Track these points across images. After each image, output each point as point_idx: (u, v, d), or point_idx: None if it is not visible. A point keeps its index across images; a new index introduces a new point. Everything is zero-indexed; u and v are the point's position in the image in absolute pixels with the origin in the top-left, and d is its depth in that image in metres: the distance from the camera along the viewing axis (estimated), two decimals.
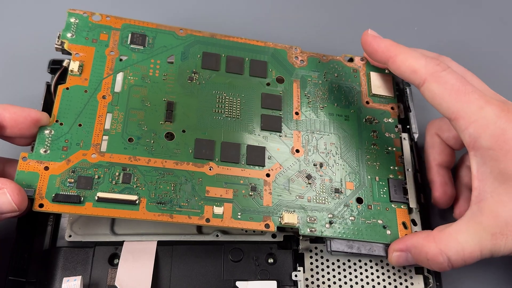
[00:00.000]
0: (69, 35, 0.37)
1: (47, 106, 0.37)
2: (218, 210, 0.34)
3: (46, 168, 0.32)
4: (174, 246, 0.34)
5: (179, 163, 0.35)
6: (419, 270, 0.35)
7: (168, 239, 0.35)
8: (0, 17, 0.48)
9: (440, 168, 0.38)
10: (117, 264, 0.33)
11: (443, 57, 0.36)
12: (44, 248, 0.35)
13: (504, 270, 0.39)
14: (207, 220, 0.33)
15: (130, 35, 0.39)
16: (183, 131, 0.36)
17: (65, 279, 0.32)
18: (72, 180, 0.32)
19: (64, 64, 0.37)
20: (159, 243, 0.34)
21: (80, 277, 0.32)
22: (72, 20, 0.38)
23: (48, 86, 0.37)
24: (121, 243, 0.34)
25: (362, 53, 0.42)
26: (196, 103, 0.37)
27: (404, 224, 0.36)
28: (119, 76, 0.37)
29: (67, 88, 0.35)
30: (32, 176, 0.32)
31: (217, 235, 0.35)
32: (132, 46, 0.38)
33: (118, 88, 0.36)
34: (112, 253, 0.34)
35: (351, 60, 0.42)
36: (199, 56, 0.39)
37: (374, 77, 0.42)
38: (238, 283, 0.32)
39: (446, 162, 0.38)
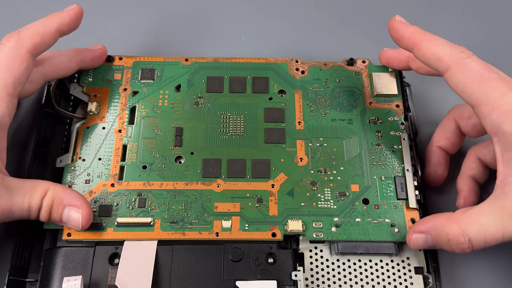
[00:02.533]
0: (87, 79, 0.42)
1: (48, 106, 0.41)
2: (226, 224, 0.36)
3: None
4: (174, 246, 0.35)
5: (189, 184, 0.38)
6: (418, 270, 0.35)
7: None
8: (2, 18, 0.53)
9: (439, 150, 0.39)
10: (118, 264, 0.34)
11: None
12: (45, 248, 0.36)
13: (504, 270, 0.37)
14: (217, 234, 0.36)
15: (140, 71, 0.42)
16: (192, 153, 0.39)
17: (65, 278, 0.32)
18: (95, 209, 0.36)
19: None
20: (159, 243, 0.35)
21: (80, 276, 0.32)
22: None
23: (48, 86, 0.41)
24: (121, 243, 0.35)
25: (363, 57, 0.43)
26: (202, 125, 0.40)
27: (413, 220, 0.36)
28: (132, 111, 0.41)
29: (87, 127, 0.40)
30: None
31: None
32: (142, 81, 0.42)
33: (131, 121, 0.40)
34: (112, 253, 0.35)
35: (351, 63, 0.43)
36: (203, 81, 0.42)
37: (377, 77, 0.42)
38: (238, 283, 0.33)
39: (449, 148, 0.39)
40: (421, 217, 0.36)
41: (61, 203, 0.33)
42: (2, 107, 0.33)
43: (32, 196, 0.33)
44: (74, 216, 0.34)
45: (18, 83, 0.34)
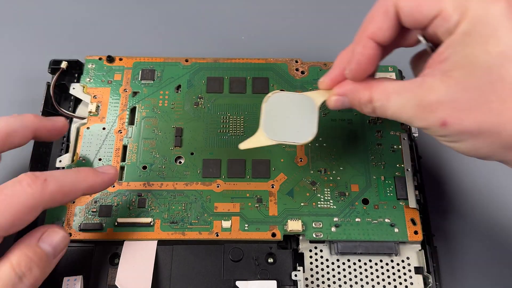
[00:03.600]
0: (87, 80, 0.42)
1: (47, 106, 0.41)
2: (226, 224, 0.36)
3: (73, 201, 0.37)
4: (174, 246, 0.35)
5: (189, 184, 0.38)
6: (418, 270, 0.35)
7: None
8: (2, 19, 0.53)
9: (370, 41, 0.31)
10: (117, 263, 0.34)
11: None
12: None
13: (504, 271, 0.37)
14: (217, 234, 0.36)
15: (140, 72, 0.43)
16: (192, 153, 0.39)
17: (65, 278, 0.33)
18: (95, 210, 0.36)
19: (62, 65, 0.42)
20: (159, 243, 0.35)
21: (80, 276, 0.33)
22: (90, 66, 0.43)
23: (48, 86, 0.42)
24: (121, 243, 0.35)
25: None
26: (202, 126, 0.40)
27: (413, 220, 0.36)
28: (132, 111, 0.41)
29: (88, 128, 0.40)
30: (61, 209, 0.36)
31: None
32: (143, 81, 0.42)
33: (131, 121, 0.40)
34: (113, 253, 0.35)
35: None
36: (203, 81, 0.42)
37: (377, 77, 0.42)
38: (238, 283, 0.33)
39: (384, 40, 0.30)
40: (421, 217, 0.36)
41: (30, 249, 0.29)
42: None
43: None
44: (54, 237, 0.30)
45: None
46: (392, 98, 0.29)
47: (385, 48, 0.31)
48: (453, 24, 0.27)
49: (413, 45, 0.32)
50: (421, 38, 0.30)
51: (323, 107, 0.41)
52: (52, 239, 0.30)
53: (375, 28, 0.30)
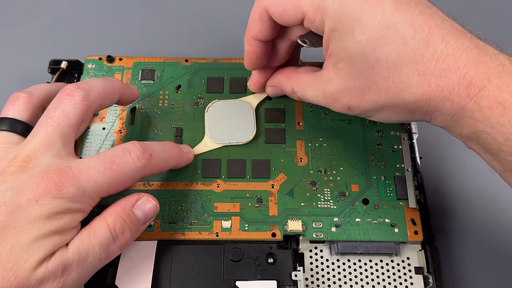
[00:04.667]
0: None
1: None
2: (226, 224, 0.36)
3: None
4: (174, 246, 0.35)
5: (189, 184, 0.38)
6: (419, 270, 0.35)
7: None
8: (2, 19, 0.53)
9: (254, 41, 0.35)
10: (117, 263, 0.34)
11: None
12: None
13: (504, 271, 0.37)
14: (217, 234, 0.36)
15: (140, 71, 0.43)
16: None
17: None
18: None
19: (62, 65, 0.42)
20: (159, 243, 0.35)
21: None
22: (90, 66, 0.43)
23: None
24: None
25: None
26: (202, 126, 0.40)
27: (413, 220, 0.36)
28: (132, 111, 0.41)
29: (88, 128, 0.40)
30: None
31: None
32: (143, 81, 0.42)
33: (131, 121, 0.40)
34: None
35: None
36: (203, 82, 0.42)
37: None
38: (238, 283, 0.33)
39: (266, 38, 0.35)
40: (421, 217, 0.36)
41: (125, 213, 0.31)
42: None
43: (96, 235, 0.30)
44: (147, 205, 0.32)
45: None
46: (307, 90, 0.34)
47: (277, 41, 0.36)
48: (319, 24, 0.30)
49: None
50: (299, 41, 0.33)
51: (323, 108, 0.41)
52: (145, 207, 0.32)
53: (255, 30, 0.34)
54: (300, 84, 0.35)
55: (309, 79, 0.34)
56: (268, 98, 0.41)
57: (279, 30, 0.35)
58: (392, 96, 0.29)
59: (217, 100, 0.41)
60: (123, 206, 0.31)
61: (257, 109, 0.41)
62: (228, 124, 0.40)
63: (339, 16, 0.28)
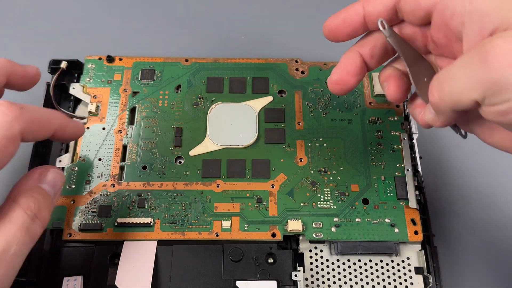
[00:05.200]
0: (87, 80, 0.42)
1: (47, 105, 0.41)
2: (226, 224, 0.36)
3: (73, 201, 0.37)
4: (174, 246, 0.35)
5: (189, 184, 0.38)
6: (419, 270, 0.35)
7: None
8: (2, 19, 0.53)
9: (357, 54, 0.31)
10: (117, 263, 0.34)
11: None
12: (45, 248, 0.36)
13: (504, 271, 0.37)
14: (217, 234, 0.36)
15: (140, 71, 0.42)
16: None
17: (65, 279, 0.33)
18: (95, 210, 0.36)
19: (62, 65, 0.42)
20: (159, 243, 0.35)
21: (80, 277, 0.33)
22: (89, 66, 0.43)
23: (48, 86, 0.41)
24: (121, 243, 0.35)
25: None
26: (202, 126, 0.40)
27: (413, 220, 0.36)
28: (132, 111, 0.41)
29: (88, 128, 0.40)
30: (61, 210, 0.36)
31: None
32: (143, 81, 0.42)
33: (131, 121, 0.40)
34: (112, 253, 0.35)
35: None
36: (203, 81, 0.42)
37: (377, 77, 0.42)
38: (238, 283, 0.33)
39: (378, 55, 0.30)
40: (421, 217, 0.36)
41: (34, 190, 0.28)
42: None
43: (14, 222, 0.27)
44: (50, 175, 0.29)
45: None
46: (457, 77, 0.24)
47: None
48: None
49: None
50: (380, 25, 0.28)
51: (323, 108, 0.41)
52: (50, 178, 0.29)
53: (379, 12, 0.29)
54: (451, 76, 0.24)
55: (458, 63, 0.24)
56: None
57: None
58: None
59: (220, 102, 0.41)
60: (29, 184, 0.28)
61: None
62: (230, 126, 0.40)
63: None
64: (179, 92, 0.42)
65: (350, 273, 0.35)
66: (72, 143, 0.40)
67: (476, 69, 0.23)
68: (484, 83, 0.22)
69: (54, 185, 0.29)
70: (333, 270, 0.35)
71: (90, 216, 0.36)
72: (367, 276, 0.34)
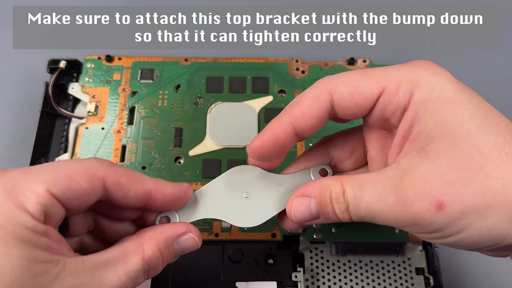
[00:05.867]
0: (86, 79, 0.42)
1: (46, 105, 0.41)
2: (226, 224, 0.36)
3: None
4: None
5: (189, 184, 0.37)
6: (419, 271, 0.35)
7: None
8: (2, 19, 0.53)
9: (289, 125, 0.28)
10: None
11: None
12: None
13: (504, 271, 0.37)
14: (216, 235, 0.36)
15: (140, 71, 0.42)
16: None
17: None
18: None
19: (61, 65, 0.41)
20: None
21: None
22: (89, 65, 0.42)
23: (47, 85, 0.41)
24: None
25: (364, 57, 0.43)
26: (202, 126, 0.40)
27: None
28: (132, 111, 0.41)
29: (87, 128, 0.40)
30: None
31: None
32: (142, 81, 0.42)
33: (131, 121, 0.40)
34: None
35: (352, 63, 0.43)
36: (203, 81, 0.42)
37: None
38: (238, 284, 0.33)
39: (306, 129, 0.28)
40: None
41: (165, 246, 0.26)
42: None
43: (128, 264, 0.25)
44: (190, 243, 0.28)
45: None
46: (365, 188, 0.25)
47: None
48: (403, 95, 0.24)
49: None
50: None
51: None
52: (188, 244, 0.28)
53: (300, 112, 0.28)
54: (355, 181, 0.25)
55: (369, 176, 0.25)
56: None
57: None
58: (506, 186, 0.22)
59: (220, 102, 0.41)
60: (166, 237, 0.26)
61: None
62: (230, 126, 0.40)
63: (435, 85, 0.24)
64: (178, 92, 0.42)
65: (350, 274, 0.34)
66: (71, 143, 0.39)
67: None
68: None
69: (184, 250, 0.28)
70: (334, 271, 0.35)
71: None
72: (368, 277, 0.34)
